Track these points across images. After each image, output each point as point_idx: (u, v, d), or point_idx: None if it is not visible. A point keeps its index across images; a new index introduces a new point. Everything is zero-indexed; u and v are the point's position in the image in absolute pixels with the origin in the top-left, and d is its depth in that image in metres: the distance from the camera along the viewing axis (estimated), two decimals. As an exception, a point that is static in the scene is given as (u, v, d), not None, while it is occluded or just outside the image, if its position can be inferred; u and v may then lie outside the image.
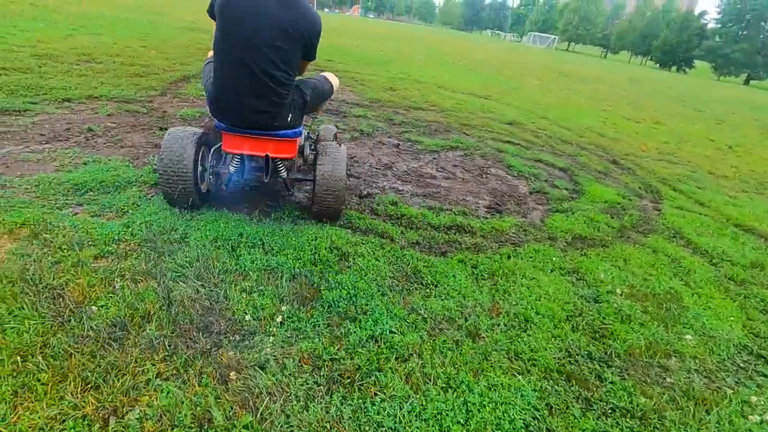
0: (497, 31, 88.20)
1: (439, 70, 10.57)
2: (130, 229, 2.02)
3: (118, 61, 5.62)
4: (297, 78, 2.21)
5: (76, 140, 3.07)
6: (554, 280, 2.16)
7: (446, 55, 15.54)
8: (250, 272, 1.84)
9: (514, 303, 1.93)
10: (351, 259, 2.06)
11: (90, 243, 1.87)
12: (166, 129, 3.49)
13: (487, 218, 2.84)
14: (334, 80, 2.65)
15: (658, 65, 60.19)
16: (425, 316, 1.76)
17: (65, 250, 1.79)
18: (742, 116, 11.02)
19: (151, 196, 2.42)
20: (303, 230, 2.26)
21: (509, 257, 2.33)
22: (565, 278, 2.21)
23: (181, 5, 21.08)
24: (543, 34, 69.10)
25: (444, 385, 1.43)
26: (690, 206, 3.66)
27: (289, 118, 2.14)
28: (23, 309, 1.45)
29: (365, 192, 2.97)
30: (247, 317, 1.60)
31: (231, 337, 1.51)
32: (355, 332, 1.60)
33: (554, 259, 2.36)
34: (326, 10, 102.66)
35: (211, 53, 2.23)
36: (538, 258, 2.35)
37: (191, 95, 4.69)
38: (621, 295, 2.13)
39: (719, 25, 56.36)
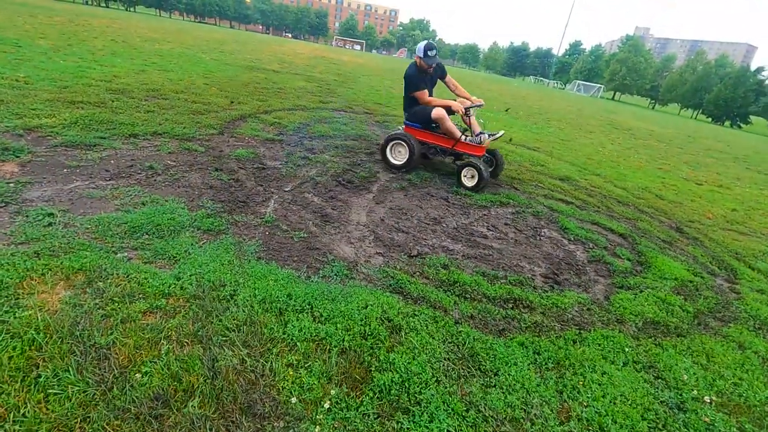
0: (541, 78, 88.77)
1: (484, 116, 10.54)
2: (180, 281, 1.98)
3: (182, 98, 5.94)
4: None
5: (138, 178, 3.17)
6: (629, 377, 1.91)
7: (491, 100, 15.59)
8: (298, 343, 1.73)
9: (585, 404, 1.70)
10: (403, 333, 1.92)
11: (141, 295, 1.83)
12: (221, 170, 3.58)
13: (546, 291, 2.62)
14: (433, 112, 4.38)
15: (710, 119, 58.11)
16: (486, 414, 1.57)
17: (116, 303, 1.76)
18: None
19: (203, 243, 2.41)
20: (353, 294, 2.15)
21: (575, 342, 2.10)
22: (640, 375, 1.95)
23: (244, 43, 22.65)
24: (588, 83, 68.79)
25: None
26: (772, 290, 3.28)
27: None
28: (68, 372, 1.39)
29: (415, 251, 2.85)
30: (293, 400, 1.47)
31: (275, 423, 1.38)
32: (408, 429, 1.43)
33: (626, 349, 2.11)
34: (374, 51, 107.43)
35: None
36: (608, 346, 2.11)
37: (246, 135, 4.83)
38: (710, 404, 1.84)
39: (779, 82, 54.16)
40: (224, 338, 1.68)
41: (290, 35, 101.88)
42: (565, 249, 3.43)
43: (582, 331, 2.22)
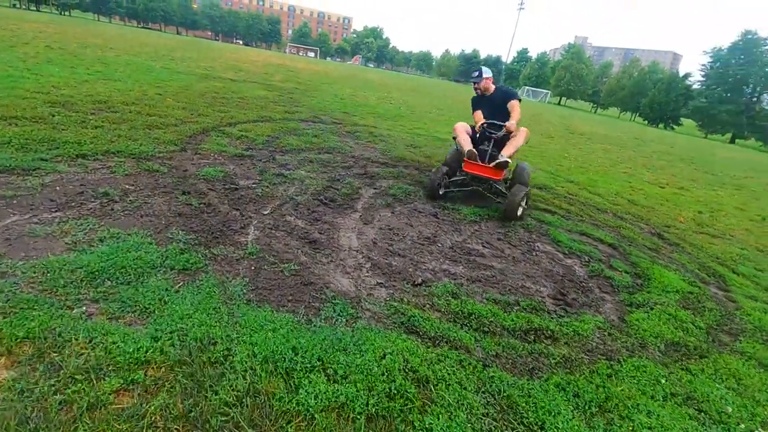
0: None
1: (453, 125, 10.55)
2: (159, 342, 1.61)
3: (135, 111, 5.39)
4: None
5: (91, 207, 2.71)
6: (674, 415, 1.76)
7: (458, 110, 15.74)
8: (316, 414, 1.43)
9: (643, 456, 1.52)
10: (432, 386, 1.66)
11: (110, 368, 1.46)
12: (189, 193, 3.18)
13: (561, 316, 2.46)
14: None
15: (646, 121, 62.41)
16: (548, 485, 1.34)
17: (79, 382, 1.38)
18: (757, 181, 11.02)
19: (180, 287, 2.04)
20: (365, 340, 1.87)
21: (609, 377, 1.93)
22: (683, 410, 1.81)
23: (195, 50, 21.61)
24: (536, 89, 71.88)
25: None
26: (761, 295, 3.32)
27: None
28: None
29: (419, 279, 2.60)
30: (325, 498, 1.17)
31: None
32: None
33: (662, 381, 1.97)
34: (329, 58, 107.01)
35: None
36: (642, 378, 1.96)
37: (212, 150, 4.41)
38: (761, 439, 1.73)
39: (704, 87, 59.24)
40: (224, 419, 1.35)
41: (241, 42, 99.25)
42: (562, 264, 3.32)
43: (611, 362, 2.07)
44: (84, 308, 1.77)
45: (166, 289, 1.99)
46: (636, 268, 3.42)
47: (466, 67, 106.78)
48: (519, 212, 4.00)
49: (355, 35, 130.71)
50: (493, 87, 4.54)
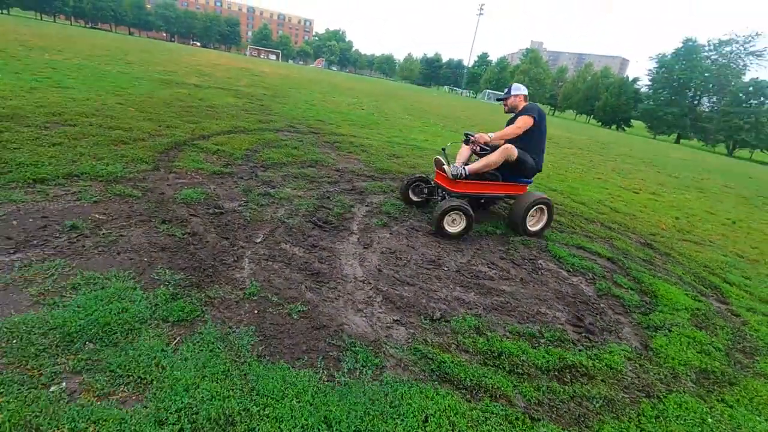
0: (454, 88, 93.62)
1: (429, 132, 10.49)
2: (166, 428, 1.33)
3: (95, 123, 4.90)
4: None
5: (58, 245, 2.35)
6: (731, 460, 1.66)
7: (427, 113, 15.75)
8: None
9: None
10: (486, 454, 1.47)
11: (109, 472, 1.17)
12: (170, 222, 2.85)
13: (588, 347, 2.34)
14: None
15: (600, 123, 65.52)
16: None
17: (71, 498, 1.09)
18: (713, 182, 11.63)
19: (177, 344, 1.75)
20: (399, 397, 1.66)
21: (657, 418, 1.82)
22: (737, 453, 1.72)
23: (151, 53, 20.50)
24: (497, 92, 73.66)
25: None
26: (760, 307, 3.37)
27: None
28: None
29: (436, 313, 2.41)
30: None
31: None
32: None
33: (708, 420, 1.88)
34: (290, 61, 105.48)
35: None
36: (690, 419, 1.86)
37: (188, 168, 4.04)
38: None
39: (651, 91, 62.92)
40: None
41: (198, 44, 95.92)
42: (569, 283, 3.23)
43: (652, 399, 1.96)
44: (64, 384, 1.46)
45: (162, 350, 1.69)
46: (640, 284, 3.39)
47: (429, 70, 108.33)
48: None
49: (317, 38, 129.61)
50: (522, 105, 4.11)
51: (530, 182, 4.22)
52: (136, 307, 1.91)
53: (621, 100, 62.78)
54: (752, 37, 55.28)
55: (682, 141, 57.83)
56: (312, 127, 7.61)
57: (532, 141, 3.96)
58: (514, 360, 2.07)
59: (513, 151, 3.81)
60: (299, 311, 2.18)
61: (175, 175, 3.83)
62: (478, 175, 3.93)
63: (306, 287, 2.45)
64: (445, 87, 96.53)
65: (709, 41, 58.83)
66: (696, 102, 59.82)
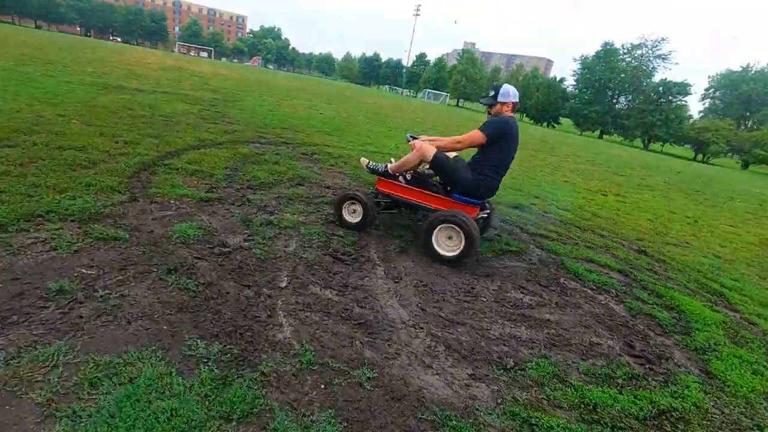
0: (395, 87, 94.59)
1: (396, 138, 10.30)
2: None
3: (40, 142, 4.13)
4: None
5: (47, 318, 1.83)
6: None
7: (385, 117, 15.57)
8: None
9: None
10: None
11: None
12: (176, 271, 2.39)
13: (663, 383, 2.26)
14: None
15: (532, 121, 69.44)
16: None
17: None
18: (655, 179, 12.58)
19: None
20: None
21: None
22: None
23: (73, 51, 18.35)
24: (436, 92, 75.47)
25: None
26: (764, 312, 3.55)
27: None
28: None
29: (510, 362, 2.21)
30: None
31: None
32: None
33: (811, 456, 1.84)
34: (224, 59, 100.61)
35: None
36: (794, 458, 1.82)
37: (170, 196, 3.50)
38: None
39: (577, 90, 67.75)
40: None
41: (119, 39, 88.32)
42: (600, 303, 3.19)
43: (750, 440, 1.90)
44: None
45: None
46: (661, 299, 3.43)
47: (369, 69, 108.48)
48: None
49: (251, 35, 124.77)
50: (507, 115, 3.47)
51: (474, 203, 3.45)
52: (186, 405, 1.50)
53: (551, 99, 66.95)
54: (659, 42, 61.45)
55: (604, 137, 62.91)
56: (282, 137, 7.11)
57: (483, 156, 3.46)
58: (610, 412, 1.92)
59: (428, 152, 3.38)
60: (368, 378, 1.87)
61: (157, 205, 3.28)
62: (419, 181, 3.64)
63: (361, 343, 2.13)
64: (386, 86, 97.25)
65: (623, 45, 64.55)
66: (615, 101, 65.40)
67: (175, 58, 33.42)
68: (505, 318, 2.69)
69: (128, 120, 5.98)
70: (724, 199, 11.10)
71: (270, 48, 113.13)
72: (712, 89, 74.30)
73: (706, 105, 76.58)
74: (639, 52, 63.22)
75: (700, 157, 53.94)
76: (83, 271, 2.24)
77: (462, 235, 3.21)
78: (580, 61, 66.66)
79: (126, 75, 12.34)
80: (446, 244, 3.33)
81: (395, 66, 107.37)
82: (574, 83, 67.91)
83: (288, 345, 2.00)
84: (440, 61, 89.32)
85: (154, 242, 2.69)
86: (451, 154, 3.65)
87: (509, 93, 3.47)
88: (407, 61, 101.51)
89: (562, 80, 70.43)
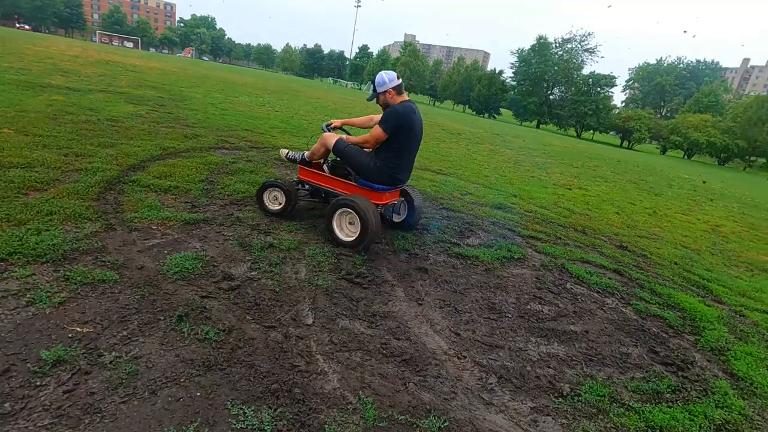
0: (338, 79, 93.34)
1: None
2: None
3: (-27, 161, 3.47)
4: None
5: (49, 401, 1.48)
6: None
7: (341, 114, 15.17)
8: None
9: None
10: None
11: None
12: (186, 317, 2.08)
13: (703, 392, 2.30)
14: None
15: (475, 112, 71.68)
16: None
17: None
18: (604, 170, 13.35)
19: None
20: None
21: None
22: None
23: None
24: (381, 84, 75.19)
25: None
26: (746, 302, 3.81)
27: None
28: None
29: (566, 388, 2.14)
30: None
31: None
32: None
33: None
34: (152, 49, 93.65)
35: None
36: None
37: (150, 221, 3.07)
38: None
39: (515, 83, 70.70)
40: None
41: (28, 27, 78.99)
42: (612, 308, 3.25)
43: (798, 445, 1.97)
44: None
45: None
46: (661, 297, 3.57)
47: (311, 61, 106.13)
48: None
49: (182, 24, 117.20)
50: (395, 101, 3.41)
51: (379, 189, 3.46)
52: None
53: (491, 91, 69.39)
54: (586, 36, 65.59)
55: (541, 126, 66.39)
56: (247, 140, 6.63)
57: (385, 143, 3.40)
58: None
59: (329, 141, 3.51)
60: (440, 428, 1.71)
61: (139, 233, 2.86)
62: (337, 169, 3.75)
63: (413, 384, 1.96)
64: (330, 79, 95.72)
65: (555, 39, 68.21)
66: (550, 92, 69.09)
67: (98, 49, 30.46)
68: (536, 334, 2.64)
69: (70, 127, 5.25)
70: (664, 186, 12.04)
71: (204, 38, 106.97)
72: (632, 80, 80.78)
73: (627, 95, 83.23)
74: (569, 45, 67.14)
75: (626, 144, 58.65)
76: (77, 329, 1.85)
77: (357, 219, 3.23)
78: (517, 54, 69.58)
79: (50, 70, 10.96)
80: (349, 229, 3.37)
81: (338, 58, 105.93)
82: (512, 75, 70.86)
83: (342, 398, 1.78)
84: (383, 53, 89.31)
85: (149, 281, 2.32)
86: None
87: (384, 80, 3.40)
88: (350, 53, 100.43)
89: (500, 72, 73.21)
